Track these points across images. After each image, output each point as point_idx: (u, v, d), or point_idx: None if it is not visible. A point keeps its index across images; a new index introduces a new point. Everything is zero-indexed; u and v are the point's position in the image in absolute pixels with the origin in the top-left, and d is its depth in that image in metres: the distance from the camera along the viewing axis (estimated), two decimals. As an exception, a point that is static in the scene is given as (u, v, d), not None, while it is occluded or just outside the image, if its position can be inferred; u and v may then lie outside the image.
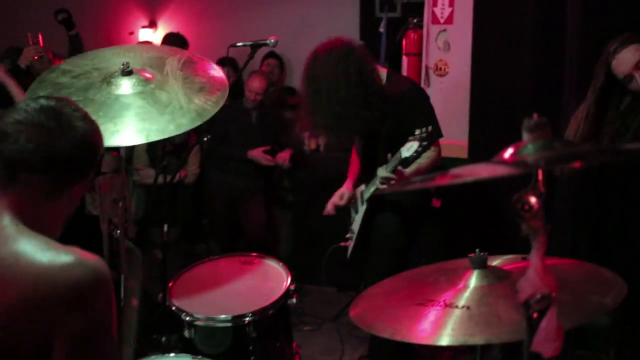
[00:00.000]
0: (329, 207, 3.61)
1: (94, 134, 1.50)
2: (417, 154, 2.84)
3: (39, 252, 1.33)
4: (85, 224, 4.06)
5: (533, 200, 1.18)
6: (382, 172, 3.07)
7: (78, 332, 1.30)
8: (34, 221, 1.40)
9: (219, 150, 4.93)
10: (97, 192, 3.87)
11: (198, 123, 2.47)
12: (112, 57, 2.68)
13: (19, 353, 1.29)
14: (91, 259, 1.35)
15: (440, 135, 3.06)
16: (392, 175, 3.01)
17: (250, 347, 2.61)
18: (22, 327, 1.28)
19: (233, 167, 5.01)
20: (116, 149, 2.75)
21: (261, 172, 5.07)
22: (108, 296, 1.35)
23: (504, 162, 1.25)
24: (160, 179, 3.23)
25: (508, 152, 1.24)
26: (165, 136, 2.39)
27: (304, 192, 5.47)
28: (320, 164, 5.37)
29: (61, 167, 1.43)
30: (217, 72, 2.76)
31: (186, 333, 2.63)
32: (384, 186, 3.08)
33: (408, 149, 2.86)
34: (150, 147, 4.72)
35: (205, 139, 3.67)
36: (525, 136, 1.22)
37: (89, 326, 1.31)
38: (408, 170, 3.02)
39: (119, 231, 2.77)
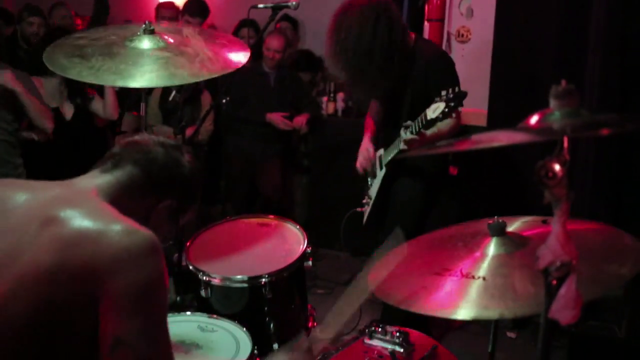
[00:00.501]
0: (360, 163, 3.52)
1: (196, 177, 1.67)
2: (444, 115, 2.79)
3: (94, 216, 1.39)
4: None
5: (557, 167, 1.17)
6: (405, 134, 3.04)
7: (130, 292, 1.33)
8: (114, 203, 1.49)
9: (236, 113, 4.93)
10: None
11: (230, 70, 2.50)
12: (127, 28, 2.71)
13: (66, 309, 1.32)
14: (144, 229, 1.41)
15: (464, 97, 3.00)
16: (416, 137, 2.98)
17: (266, 308, 2.63)
18: (67, 288, 1.32)
19: (250, 130, 5.01)
20: (137, 109, 2.75)
21: (278, 136, 5.07)
22: (160, 263, 1.39)
23: (529, 129, 1.24)
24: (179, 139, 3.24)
25: (534, 119, 1.22)
26: (200, 79, 2.44)
27: (320, 156, 5.47)
28: (338, 129, 5.36)
29: (159, 175, 1.58)
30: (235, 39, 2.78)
31: (202, 292, 2.65)
32: (405, 147, 3.05)
33: (434, 111, 2.81)
34: (163, 104, 4.71)
35: (224, 100, 3.67)
36: (552, 103, 1.20)
37: (141, 287, 1.34)
38: (427, 133, 3.00)
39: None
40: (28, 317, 1.30)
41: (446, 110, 2.77)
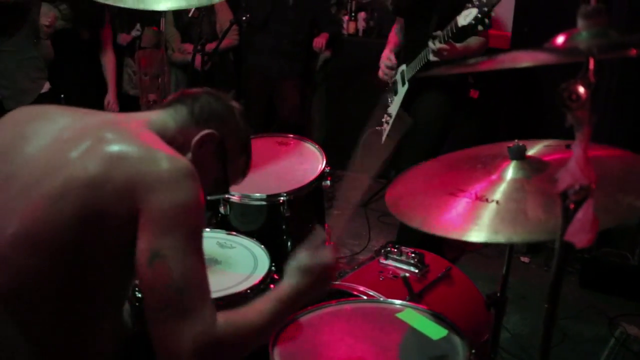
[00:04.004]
0: (382, 71, 3.51)
1: (244, 122, 1.76)
2: (477, 22, 2.69)
3: (140, 141, 1.49)
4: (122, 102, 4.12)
5: (581, 90, 1.15)
6: (435, 44, 2.96)
7: (167, 209, 1.40)
8: (161, 134, 1.58)
9: (256, 31, 4.85)
10: (137, 67, 3.87)
11: None
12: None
13: (110, 219, 1.40)
14: (185, 159, 1.51)
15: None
16: (445, 47, 2.91)
17: (284, 226, 2.67)
18: (110, 199, 1.40)
19: (269, 48, 4.94)
20: (157, 24, 2.72)
21: (297, 55, 5.00)
22: (197, 189, 1.46)
23: (554, 49, 1.22)
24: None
25: (560, 39, 1.20)
26: None
27: (340, 77, 5.42)
28: (358, 49, 5.28)
29: (202, 109, 1.66)
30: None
31: (221, 210, 2.69)
32: (435, 58, 2.99)
33: (465, 17, 2.72)
34: (179, 22, 4.61)
35: (244, 17, 3.62)
36: (580, 23, 1.18)
37: (178, 206, 1.41)
38: (458, 46, 2.94)
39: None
40: (75, 219, 1.39)
41: (479, 15, 2.67)
